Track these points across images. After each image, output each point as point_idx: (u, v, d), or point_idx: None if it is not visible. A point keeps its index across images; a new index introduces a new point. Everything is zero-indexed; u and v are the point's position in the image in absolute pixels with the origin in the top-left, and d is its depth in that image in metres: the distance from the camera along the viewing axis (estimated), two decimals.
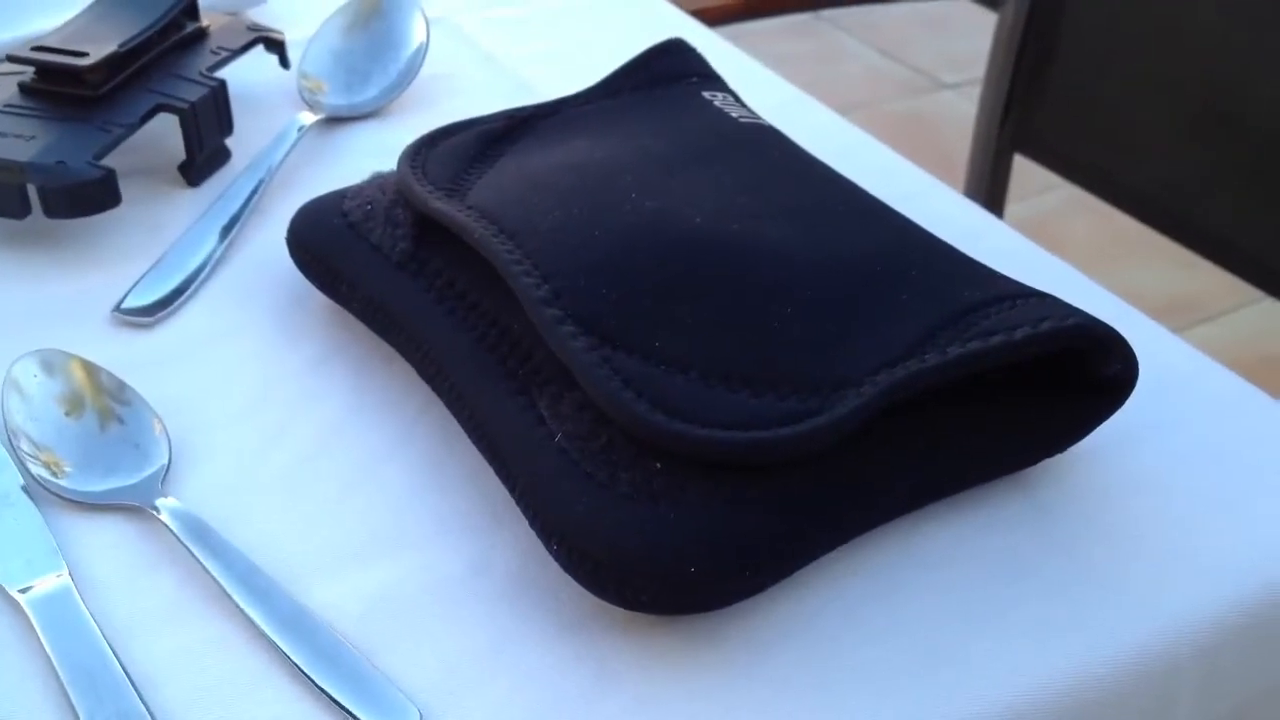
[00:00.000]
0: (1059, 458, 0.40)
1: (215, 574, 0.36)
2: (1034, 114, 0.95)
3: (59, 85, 0.50)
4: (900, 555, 0.37)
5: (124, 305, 0.46)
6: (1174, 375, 0.44)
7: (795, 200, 0.42)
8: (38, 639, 0.34)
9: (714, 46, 0.62)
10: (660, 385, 0.35)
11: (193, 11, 0.55)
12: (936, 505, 0.38)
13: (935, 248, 0.41)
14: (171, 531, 0.37)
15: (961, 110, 1.88)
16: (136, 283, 0.47)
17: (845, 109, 0.59)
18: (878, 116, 1.88)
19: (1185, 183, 0.87)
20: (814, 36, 2.08)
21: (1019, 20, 0.93)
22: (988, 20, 0.96)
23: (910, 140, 1.79)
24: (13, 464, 0.39)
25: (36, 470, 0.38)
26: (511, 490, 0.37)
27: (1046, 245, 0.50)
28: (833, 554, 0.36)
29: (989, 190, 0.99)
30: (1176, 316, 1.51)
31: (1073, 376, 0.39)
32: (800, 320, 0.37)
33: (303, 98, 0.57)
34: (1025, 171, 0.97)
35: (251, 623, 0.35)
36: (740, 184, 0.42)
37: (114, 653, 0.34)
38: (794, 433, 0.34)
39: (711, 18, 0.83)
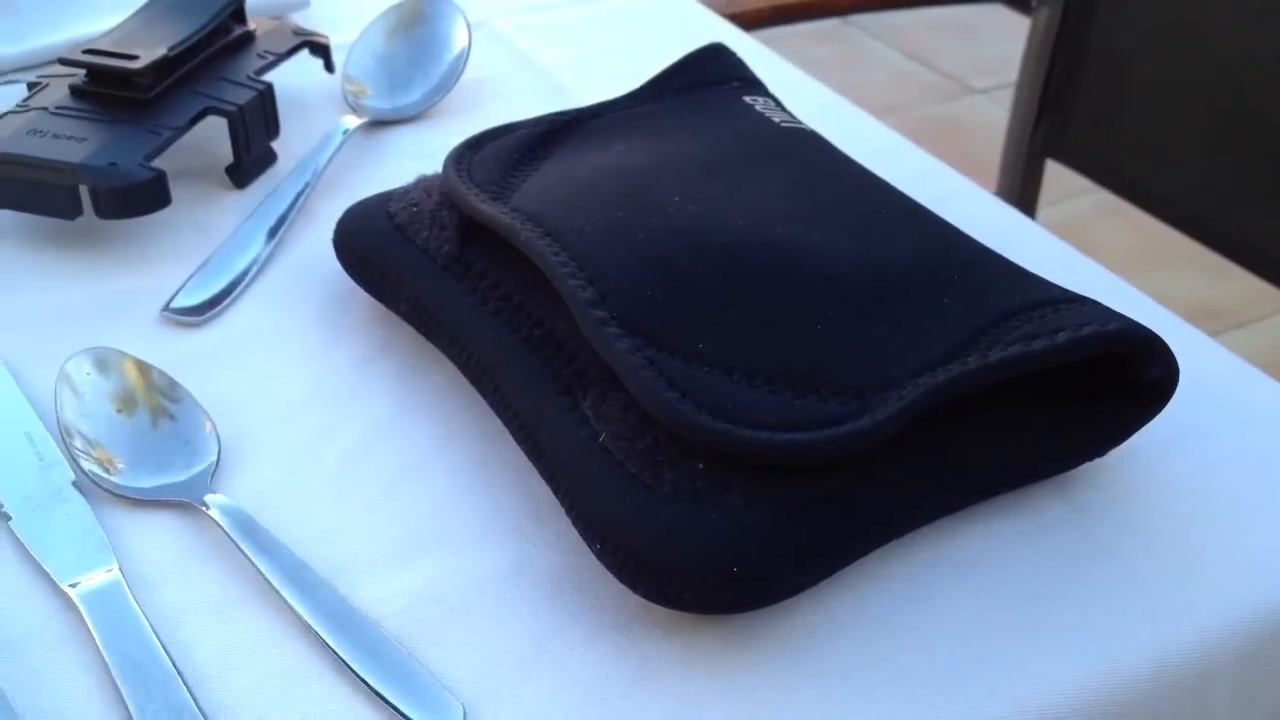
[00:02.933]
0: (1099, 462, 0.40)
1: (263, 569, 0.36)
2: (1066, 120, 0.95)
3: (110, 88, 0.51)
4: (940, 558, 0.37)
5: (173, 305, 0.47)
6: (1212, 381, 0.44)
7: (837, 204, 0.42)
8: (89, 632, 0.35)
9: (750, 50, 0.62)
10: (704, 386, 0.35)
11: (240, 15, 0.56)
12: (976, 508, 0.39)
13: (976, 251, 0.41)
14: (220, 527, 0.37)
15: (991, 114, 1.87)
16: (185, 283, 0.47)
17: (874, 114, 0.60)
18: (907, 121, 1.88)
19: (1216, 188, 0.87)
20: (842, 41, 2.08)
21: (1052, 26, 0.93)
22: (1014, 24, 0.96)
23: (939, 145, 1.77)
24: (65, 460, 0.40)
25: (89, 466, 0.39)
26: (555, 490, 0.37)
27: (1077, 250, 0.50)
28: (873, 555, 0.37)
29: (1021, 195, 0.99)
30: (1208, 323, 1.50)
31: (1113, 381, 0.39)
32: (842, 323, 0.37)
33: (347, 101, 0.58)
34: (1056, 176, 0.97)
35: (298, 618, 0.35)
36: (782, 188, 0.43)
37: (163, 646, 0.34)
38: (836, 434, 0.34)
39: (741, 24, 0.84)
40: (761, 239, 0.40)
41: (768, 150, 0.45)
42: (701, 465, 0.35)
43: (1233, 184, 0.86)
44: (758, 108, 0.48)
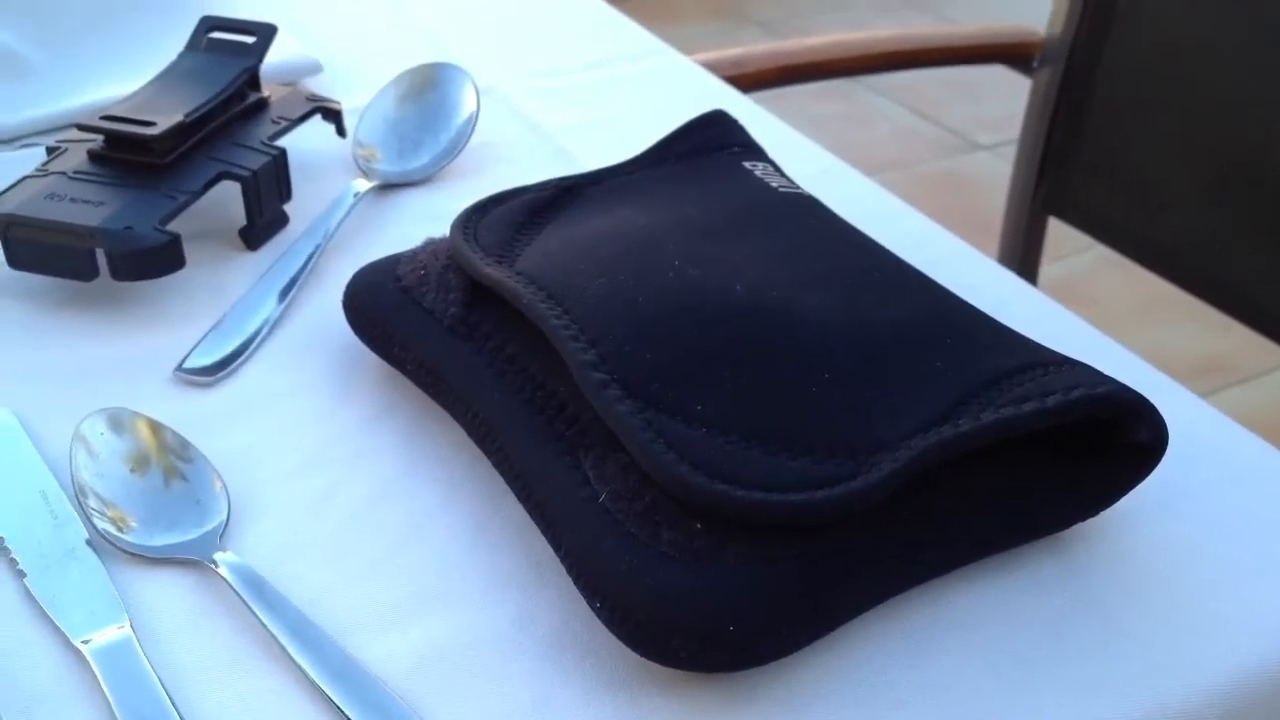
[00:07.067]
0: (1091, 522, 0.41)
1: (270, 626, 0.37)
2: (1067, 177, 0.96)
3: (127, 153, 0.52)
4: (934, 616, 0.38)
5: (185, 365, 0.47)
6: (1203, 441, 0.44)
7: (833, 269, 0.43)
8: (101, 689, 0.35)
9: (752, 114, 0.64)
10: (702, 448, 0.36)
11: (255, 82, 0.57)
12: (968, 567, 0.39)
13: (969, 315, 0.42)
14: (229, 585, 0.38)
15: (996, 170, 1.89)
16: (198, 343, 0.48)
17: (879, 169, 0.61)
18: (912, 177, 1.89)
19: (1216, 244, 0.88)
20: (848, 98, 2.10)
21: (1053, 86, 0.95)
22: (1020, 81, 0.98)
23: (945, 200, 1.80)
24: (79, 519, 0.41)
25: (102, 525, 0.40)
26: (556, 549, 0.38)
27: (1080, 305, 0.51)
28: (867, 615, 0.37)
29: (1023, 252, 1.00)
30: (1210, 378, 1.51)
31: (1104, 442, 0.39)
32: (837, 386, 0.38)
33: (358, 165, 0.59)
34: (1060, 232, 0.98)
35: (304, 674, 0.36)
36: (780, 253, 0.44)
37: (172, 702, 0.35)
38: (831, 495, 0.35)
39: (747, 84, 0.85)
40: (759, 303, 0.41)
41: (766, 216, 0.46)
42: (699, 525, 0.36)
43: (1233, 240, 0.87)
44: (757, 173, 0.49)
